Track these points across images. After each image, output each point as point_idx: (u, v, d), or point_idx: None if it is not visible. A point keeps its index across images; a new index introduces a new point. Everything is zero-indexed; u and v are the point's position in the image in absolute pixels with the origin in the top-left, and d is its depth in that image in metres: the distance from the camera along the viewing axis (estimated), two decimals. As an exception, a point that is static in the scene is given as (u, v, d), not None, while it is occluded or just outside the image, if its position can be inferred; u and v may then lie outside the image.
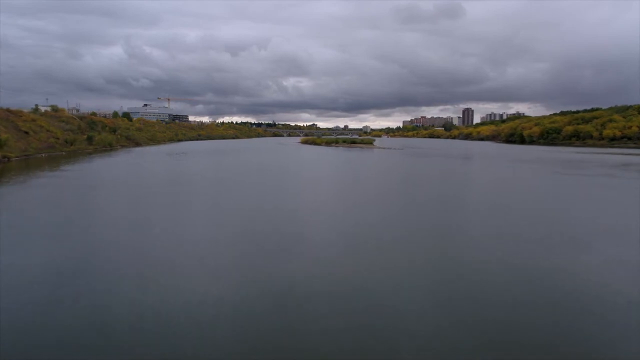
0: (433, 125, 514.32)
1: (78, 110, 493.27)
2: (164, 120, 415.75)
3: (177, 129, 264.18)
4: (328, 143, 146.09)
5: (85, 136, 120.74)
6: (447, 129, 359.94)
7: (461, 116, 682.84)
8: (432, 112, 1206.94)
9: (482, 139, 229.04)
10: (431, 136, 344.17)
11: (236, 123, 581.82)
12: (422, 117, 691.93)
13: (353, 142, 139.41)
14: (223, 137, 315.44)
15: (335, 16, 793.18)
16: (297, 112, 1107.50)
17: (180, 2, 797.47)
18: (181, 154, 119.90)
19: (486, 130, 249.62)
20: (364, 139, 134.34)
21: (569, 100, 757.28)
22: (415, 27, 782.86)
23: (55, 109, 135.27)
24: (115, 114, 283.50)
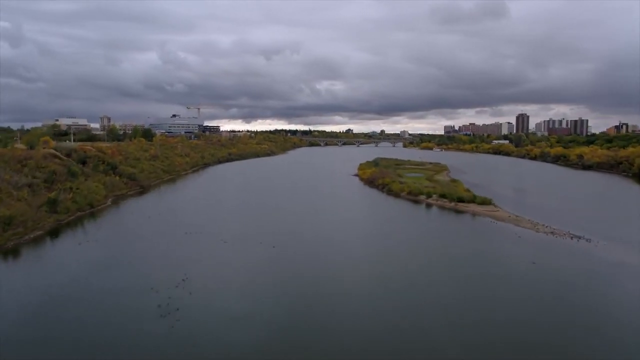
0: (488, 135, 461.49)
1: (110, 119, 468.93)
2: (192, 132, 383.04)
3: (203, 149, 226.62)
4: (412, 194, 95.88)
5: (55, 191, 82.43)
6: (516, 144, 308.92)
7: (513, 122, 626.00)
8: (468, 114, 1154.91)
9: (586, 167, 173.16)
10: (496, 152, 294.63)
11: (270, 133, 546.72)
12: (470, 124, 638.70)
13: (460, 201, 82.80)
14: (257, 155, 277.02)
15: (369, 19, 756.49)
16: (329, 115, 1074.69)
17: (215, 8, 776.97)
18: (196, 211, 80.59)
19: (592, 154, 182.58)
20: (479, 200, 75.64)
21: (614, 101, 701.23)
22: (452, 28, 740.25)
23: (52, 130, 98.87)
24: (135, 131, 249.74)
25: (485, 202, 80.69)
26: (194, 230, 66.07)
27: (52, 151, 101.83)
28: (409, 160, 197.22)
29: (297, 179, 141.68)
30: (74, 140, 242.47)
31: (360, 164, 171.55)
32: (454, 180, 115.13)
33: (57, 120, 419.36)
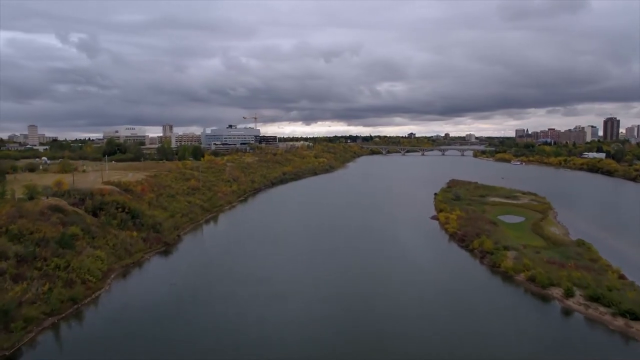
0: (574, 145, 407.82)
1: (172, 127, 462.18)
2: (247, 143, 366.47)
3: (255, 168, 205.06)
4: (537, 284, 60.14)
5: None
6: (616, 158, 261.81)
7: (598, 125, 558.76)
8: (538, 113, 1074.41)
9: None
10: (592, 170, 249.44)
11: (329, 140, 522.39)
12: (550, 129, 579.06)
13: (633, 316, 47.77)
14: (314, 171, 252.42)
15: (431, 18, 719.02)
16: (390, 117, 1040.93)
17: (275, 14, 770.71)
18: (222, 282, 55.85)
19: None
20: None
21: None
22: (521, 24, 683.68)
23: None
24: (184, 149, 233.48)
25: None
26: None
27: (56, 202, 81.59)
28: (495, 188, 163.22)
29: (357, 219, 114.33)
30: (124, 152, 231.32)
31: (437, 197, 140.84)
32: (580, 244, 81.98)
33: (116, 131, 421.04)
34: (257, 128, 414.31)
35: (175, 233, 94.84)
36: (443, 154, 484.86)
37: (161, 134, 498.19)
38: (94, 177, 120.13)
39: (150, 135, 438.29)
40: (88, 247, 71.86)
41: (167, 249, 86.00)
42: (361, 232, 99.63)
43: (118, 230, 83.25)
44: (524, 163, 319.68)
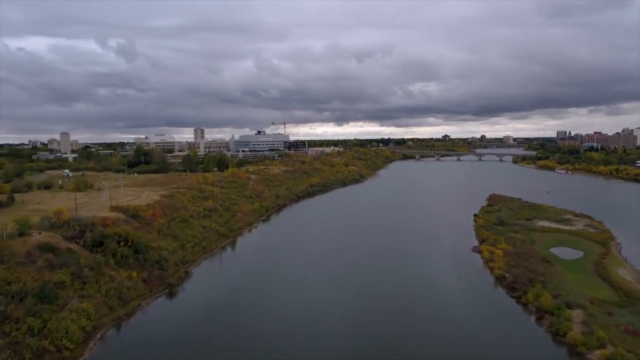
0: (624, 151, 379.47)
1: (203, 132, 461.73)
2: (275, 150, 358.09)
3: (281, 181, 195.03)
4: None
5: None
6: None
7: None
8: (579, 113, 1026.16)
9: None
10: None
11: (360, 145, 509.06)
12: (595, 133, 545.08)
13: None
14: (343, 182, 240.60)
15: (465, 16, 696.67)
16: (423, 117, 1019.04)
17: (307, 16, 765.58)
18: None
19: None
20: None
21: None
22: (563, 21, 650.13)
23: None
24: (208, 160, 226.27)
25: None
26: None
27: (48, 239, 73.21)
28: (542, 207, 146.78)
29: (383, 249, 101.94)
30: (149, 162, 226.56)
31: (478, 220, 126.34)
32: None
33: (146, 137, 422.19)
34: (286, 134, 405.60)
35: (183, 269, 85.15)
36: (480, 159, 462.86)
37: (192, 137, 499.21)
38: (105, 198, 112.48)
39: (181, 140, 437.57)
40: (75, 297, 62.76)
41: (170, 291, 76.31)
42: (386, 270, 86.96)
43: (116, 270, 74.09)
44: (569, 172, 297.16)
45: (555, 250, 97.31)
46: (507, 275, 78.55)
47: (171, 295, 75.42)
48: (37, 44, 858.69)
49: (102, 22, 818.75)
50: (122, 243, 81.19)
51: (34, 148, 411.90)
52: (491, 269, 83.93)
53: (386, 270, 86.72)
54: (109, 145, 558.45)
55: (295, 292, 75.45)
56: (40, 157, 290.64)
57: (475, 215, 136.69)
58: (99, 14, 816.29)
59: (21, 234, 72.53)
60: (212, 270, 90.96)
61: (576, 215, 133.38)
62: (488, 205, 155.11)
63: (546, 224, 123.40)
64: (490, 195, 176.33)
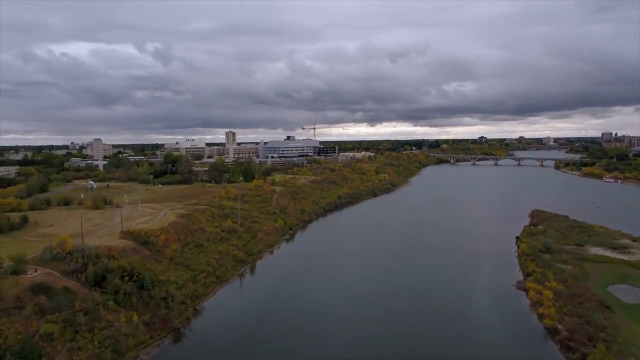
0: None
1: (234, 135, 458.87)
2: (306, 156, 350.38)
3: (307, 194, 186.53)
4: None
5: None
6: None
7: None
8: (624, 112, 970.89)
9: None
10: None
11: (392, 150, 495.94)
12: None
13: None
14: (373, 192, 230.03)
15: (501, 14, 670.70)
16: (458, 117, 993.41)
17: (340, 17, 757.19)
18: None
19: None
20: None
21: None
22: (606, 16, 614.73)
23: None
24: (234, 170, 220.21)
25: None
26: None
27: (43, 278, 67.04)
28: (592, 228, 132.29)
29: (409, 282, 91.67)
30: (175, 171, 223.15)
31: (521, 245, 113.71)
32: None
33: (177, 143, 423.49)
34: (316, 138, 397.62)
35: (192, 307, 77.66)
36: (519, 164, 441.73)
37: (224, 140, 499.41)
38: (118, 220, 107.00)
39: (211, 143, 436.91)
40: (64, 351, 56.14)
41: (174, 336, 68.91)
42: (410, 316, 76.83)
43: (116, 312, 67.42)
44: (619, 181, 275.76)
45: (614, 289, 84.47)
46: (559, 327, 67.05)
47: (175, 340, 68.06)
48: (79, 49, 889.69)
49: (140, 27, 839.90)
50: (126, 278, 74.77)
51: (68, 154, 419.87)
52: (540, 316, 72.36)
53: (415, 315, 76.47)
54: (144, 148, 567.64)
55: (316, 337, 66.46)
56: (72, 164, 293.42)
57: (517, 238, 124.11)
58: (137, 19, 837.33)
59: (14, 272, 66.66)
60: (224, 306, 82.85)
61: (634, 240, 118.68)
62: (531, 225, 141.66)
63: (600, 251, 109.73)
64: (533, 212, 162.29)
